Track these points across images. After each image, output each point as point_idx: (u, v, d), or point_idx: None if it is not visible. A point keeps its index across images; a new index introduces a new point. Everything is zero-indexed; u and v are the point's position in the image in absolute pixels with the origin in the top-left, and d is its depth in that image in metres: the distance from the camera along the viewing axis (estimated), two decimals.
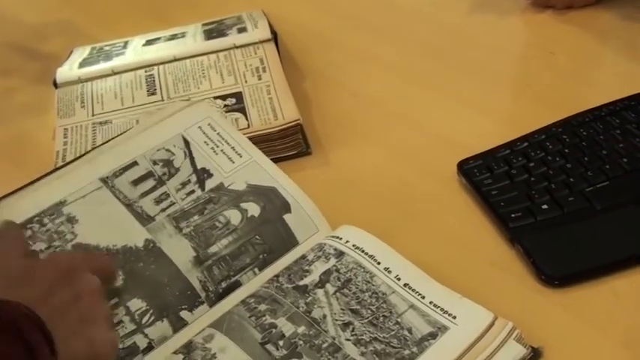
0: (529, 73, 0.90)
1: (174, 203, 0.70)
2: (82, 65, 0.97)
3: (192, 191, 0.71)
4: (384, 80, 0.94)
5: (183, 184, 0.72)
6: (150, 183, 0.71)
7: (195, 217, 0.70)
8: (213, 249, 0.68)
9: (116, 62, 0.96)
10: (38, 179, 0.70)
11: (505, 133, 0.79)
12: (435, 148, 0.82)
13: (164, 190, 0.71)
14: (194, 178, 0.72)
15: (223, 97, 0.88)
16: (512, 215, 0.70)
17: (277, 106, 0.85)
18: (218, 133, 0.76)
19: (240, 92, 0.88)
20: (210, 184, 0.72)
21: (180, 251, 0.67)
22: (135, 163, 0.72)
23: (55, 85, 0.94)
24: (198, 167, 0.73)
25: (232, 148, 0.75)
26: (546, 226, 0.68)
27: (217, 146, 0.75)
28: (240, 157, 0.75)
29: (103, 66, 0.96)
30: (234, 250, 0.68)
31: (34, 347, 0.48)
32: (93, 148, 0.74)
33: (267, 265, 0.68)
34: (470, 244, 0.71)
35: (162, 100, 0.89)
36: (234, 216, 0.70)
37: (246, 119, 0.84)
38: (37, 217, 0.67)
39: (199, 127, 0.76)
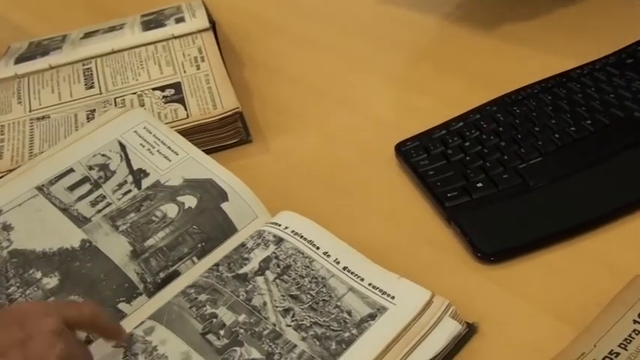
0: (464, 53, 0.91)
1: (110, 204, 0.71)
2: (18, 60, 0.96)
3: (129, 191, 0.72)
4: (322, 65, 0.94)
5: (120, 185, 0.72)
6: (86, 187, 0.72)
7: (132, 215, 0.70)
8: (149, 242, 0.68)
9: (53, 57, 0.95)
10: None
11: (442, 114, 0.80)
12: (374, 131, 0.83)
13: (100, 192, 0.72)
14: (130, 178, 0.73)
15: (162, 88, 0.87)
16: (449, 195, 0.71)
17: (216, 95, 0.85)
18: (154, 135, 0.77)
19: (179, 82, 0.88)
20: (146, 182, 0.73)
21: (116, 247, 0.67)
22: (71, 170, 0.73)
23: None
24: (135, 168, 0.74)
25: (168, 147, 0.76)
26: (481, 204, 0.69)
27: (153, 147, 0.76)
28: (177, 154, 0.76)
29: (40, 61, 0.95)
30: (171, 241, 0.69)
31: None
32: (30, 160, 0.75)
33: (206, 254, 0.69)
34: (408, 224, 0.72)
35: (101, 93, 0.88)
36: (170, 209, 0.71)
37: (185, 109, 0.83)
38: None
39: (135, 131, 0.77)
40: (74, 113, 0.86)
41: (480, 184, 0.71)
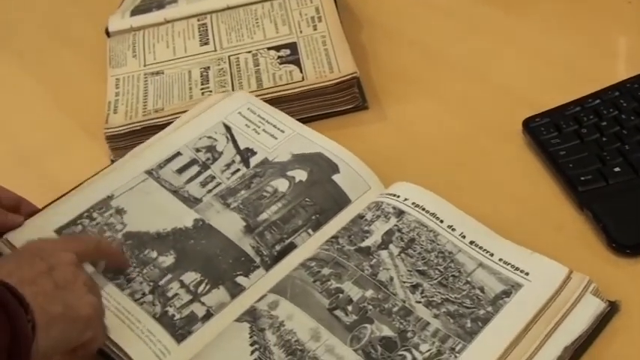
0: (604, 24, 0.84)
1: (220, 184, 0.70)
2: (134, 13, 0.95)
3: (238, 170, 0.71)
4: (445, 29, 0.89)
5: (228, 165, 0.71)
6: (194, 169, 0.71)
7: (242, 192, 0.69)
8: (262, 216, 0.67)
9: (169, 10, 0.93)
10: (84, 181, 0.72)
11: (576, 89, 0.74)
12: (499, 104, 0.78)
13: (209, 173, 0.71)
14: (238, 158, 0.72)
15: (277, 48, 0.85)
16: (582, 178, 0.66)
17: (333, 58, 0.81)
18: (258, 115, 0.76)
19: (295, 43, 0.85)
20: (254, 161, 0.72)
21: (229, 224, 0.66)
22: (178, 154, 0.73)
23: (108, 33, 0.93)
24: (242, 148, 0.73)
25: (274, 125, 0.75)
26: (619, 191, 0.64)
27: (259, 126, 0.75)
28: (283, 132, 0.74)
29: (155, 14, 0.93)
30: (284, 215, 0.67)
31: (12, 311, 0.49)
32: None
33: (320, 226, 0.67)
34: (534, 206, 0.67)
35: (215, 50, 0.86)
36: (281, 184, 0.69)
37: (301, 72, 0.80)
38: (86, 213, 0.69)
39: (239, 113, 0.76)
40: (188, 70, 0.85)
41: (617, 169, 0.65)
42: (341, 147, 0.72)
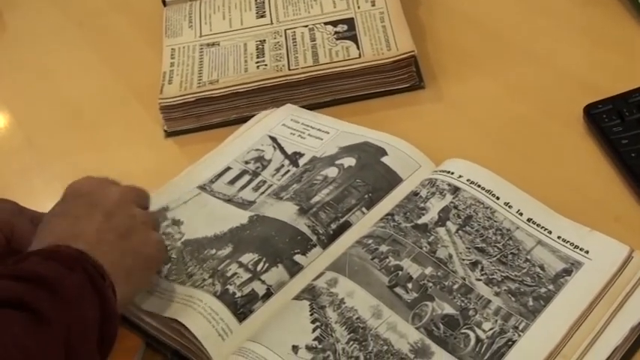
0: None
1: (272, 185, 0.70)
2: None
3: (288, 171, 0.71)
4: (506, 9, 0.87)
5: (278, 169, 0.72)
6: (245, 178, 0.72)
7: (294, 186, 0.69)
8: (315, 199, 0.67)
9: None
10: None
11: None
12: (560, 88, 0.76)
13: (260, 179, 0.71)
14: (287, 162, 0.72)
15: (334, 23, 0.84)
16: None
17: (391, 35, 0.80)
18: (302, 123, 0.76)
19: (352, 19, 0.84)
20: (303, 161, 0.72)
21: (283, 211, 0.66)
22: (228, 169, 0.73)
23: (164, 2, 0.93)
24: (289, 153, 0.73)
25: (318, 129, 0.75)
26: None
27: (303, 132, 0.75)
28: (328, 133, 0.74)
29: None
30: (337, 195, 0.67)
31: (94, 278, 0.51)
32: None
33: (374, 204, 0.66)
34: (593, 195, 0.66)
35: (271, 23, 0.86)
36: (331, 171, 0.69)
37: (358, 48, 0.79)
38: None
39: (283, 125, 0.76)
40: (244, 42, 0.84)
41: None
42: (385, 134, 0.72)
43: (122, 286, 0.52)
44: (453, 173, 0.66)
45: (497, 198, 0.64)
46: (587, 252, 0.59)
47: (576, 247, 0.60)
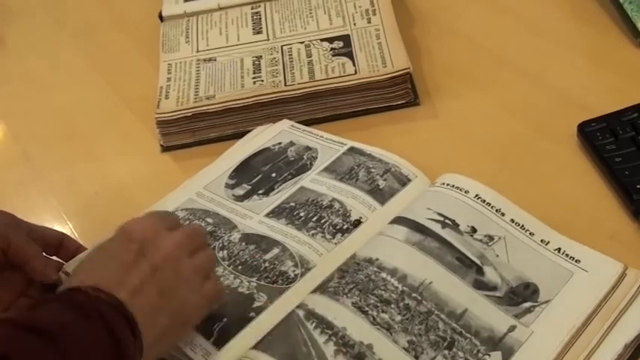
0: None
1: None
2: None
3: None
4: (500, 26, 0.88)
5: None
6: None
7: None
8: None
9: None
10: None
11: (633, 95, 0.72)
12: (554, 106, 0.76)
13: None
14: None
15: (330, 40, 0.84)
16: (638, 186, 0.64)
17: (387, 52, 0.81)
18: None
19: (348, 35, 0.84)
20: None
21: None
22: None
23: (161, 18, 0.93)
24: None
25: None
26: None
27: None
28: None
29: (209, 0, 0.93)
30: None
31: (115, 329, 0.48)
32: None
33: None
34: (587, 213, 0.66)
35: (268, 39, 0.86)
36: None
37: (354, 65, 0.80)
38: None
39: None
40: (240, 58, 0.85)
41: None
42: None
43: (151, 343, 0.50)
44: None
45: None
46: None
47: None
